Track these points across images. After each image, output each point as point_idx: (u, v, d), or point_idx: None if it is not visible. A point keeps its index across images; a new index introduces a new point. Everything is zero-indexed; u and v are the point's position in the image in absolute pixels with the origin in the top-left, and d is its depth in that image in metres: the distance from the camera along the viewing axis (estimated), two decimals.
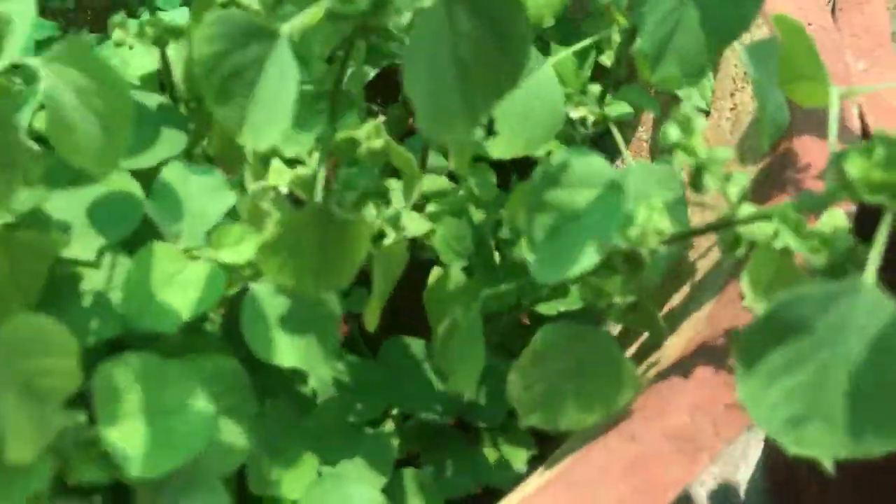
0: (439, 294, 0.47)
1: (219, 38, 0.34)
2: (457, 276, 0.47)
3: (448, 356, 0.46)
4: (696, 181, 0.34)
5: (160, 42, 0.51)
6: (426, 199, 0.60)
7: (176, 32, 0.50)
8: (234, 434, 0.42)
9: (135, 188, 0.46)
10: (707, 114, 0.65)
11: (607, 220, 0.35)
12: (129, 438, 0.34)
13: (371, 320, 0.45)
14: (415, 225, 0.55)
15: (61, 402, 0.33)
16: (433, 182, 0.60)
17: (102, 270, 0.43)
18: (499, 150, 0.47)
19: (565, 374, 0.38)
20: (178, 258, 0.42)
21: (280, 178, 0.40)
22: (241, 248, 0.43)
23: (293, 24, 0.33)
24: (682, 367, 0.41)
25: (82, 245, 0.43)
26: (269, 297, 0.42)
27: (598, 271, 0.39)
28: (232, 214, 0.45)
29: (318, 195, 0.39)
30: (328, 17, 0.32)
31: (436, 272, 0.48)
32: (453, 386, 0.45)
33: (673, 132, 0.33)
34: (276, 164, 0.41)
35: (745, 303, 0.43)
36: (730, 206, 0.35)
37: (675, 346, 0.46)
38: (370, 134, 0.39)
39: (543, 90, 0.46)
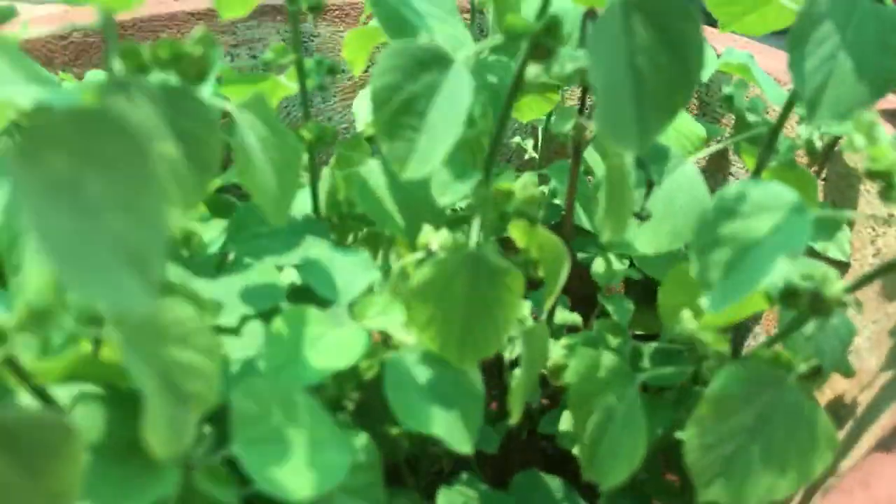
0: (587, 384, 0.43)
1: (394, 69, 0.35)
2: (609, 360, 0.43)
3: (598, 452, 0.41)
4: (887, 191, 0.31)
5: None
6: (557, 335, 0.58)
7: None
8: None
9: (276, 278, 0.46)
10: (847, 266, 0.63)
11: (792, 243, 0.32)
12: (265, 462, 0.31)
13: (515, 407, 0.41)
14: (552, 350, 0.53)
15: (199, 413, 0.31)
16: (565, 316, 0.58)
17: (242, 338, 0.41)
18: (645, 241, 0.45)
19: (750, 431, 0.33)
20: (324, 322, 0.40)
21: (431, 237, 0.40)
22: (384, 319, 0.41)
23: (469, 50, 0.35)
24: (882, 445, 0.36)
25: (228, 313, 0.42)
26: (412, 366, 0.39)
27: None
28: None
29: (473, 242, 0.38)
30: (505, 34, 0.33)
31: (581, 360, 0.45)
32: (609, 481, 0.39)
33: (858, 139, 0.32)
34: (427, 227, 0.41)
35: None
36: None
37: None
38: (526, 184, 0.38)
39: (688, 183, 0.46)
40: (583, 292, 0.66)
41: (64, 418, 0.24)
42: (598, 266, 0.59)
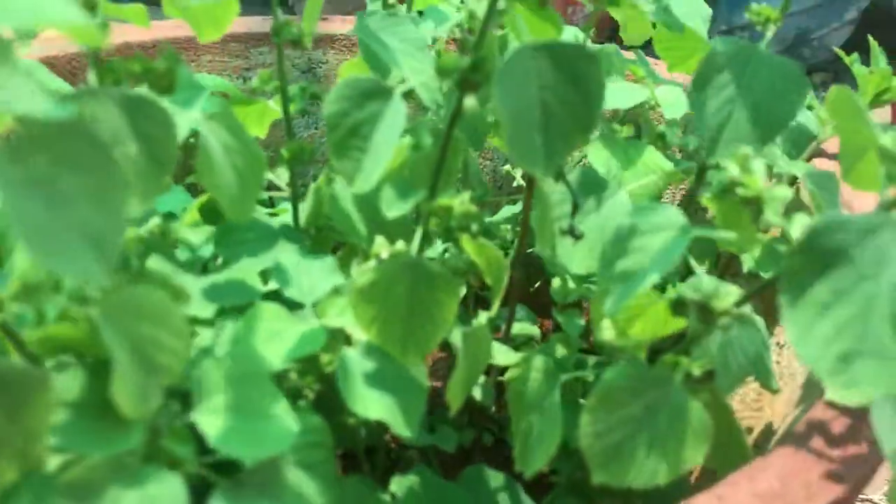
0: (521, 384, 0.49)
1: (343, 99, 0.41)
2: (539, 363, 0.48)
3: (527, 442, 0.46)
4: (756, 215, 0.36)
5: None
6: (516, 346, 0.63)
7: None
8: (309, 489, 0.42)
9: (253, 279, 0.52)
10: None
11: (670, 257, 0.37)
12: (221, 428, 0.37)
13: (454, 401, 0.46)
14: (503, 356, 0.58)
15: (165, 383, 0.36)
16: (522, 328, 0.63)
17: (213, 331, 0.47)
18: (576, 262, 0.50)
19: (637, 422, 0.38)
20: (284, 318, 0.46)
21: (383, 248, 0.45)
22: (342, 318, 0.47)
23: (406, 84, 0.40)
24: (773, 448, 0.40)
25: (199, 307, 0.48)
26: (362, 360, 0.45)
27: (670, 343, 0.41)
28: None
29: (414, 250, 0.43)
30: (437, 72, 0.39)
31: (515, 368, 0.50)
32: (531, 467, 0.44)
33: (732, 169, 0.37)
34: (379, 238, 0.46)
35: (827, 395, 0.43)
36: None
37: None
38: (464, 200, 0.44)
39: (622, 211, 0.51)
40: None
41: (41, 372, 0.29)
42: (554, 283, 0.65)
